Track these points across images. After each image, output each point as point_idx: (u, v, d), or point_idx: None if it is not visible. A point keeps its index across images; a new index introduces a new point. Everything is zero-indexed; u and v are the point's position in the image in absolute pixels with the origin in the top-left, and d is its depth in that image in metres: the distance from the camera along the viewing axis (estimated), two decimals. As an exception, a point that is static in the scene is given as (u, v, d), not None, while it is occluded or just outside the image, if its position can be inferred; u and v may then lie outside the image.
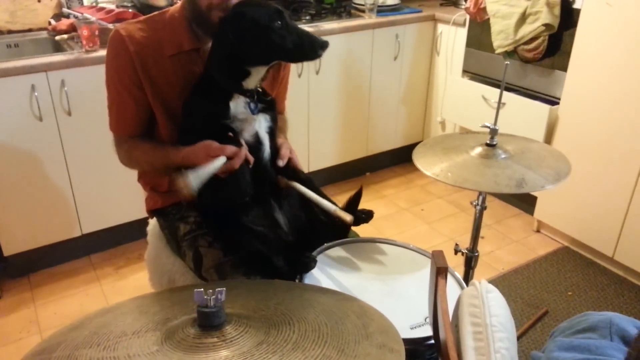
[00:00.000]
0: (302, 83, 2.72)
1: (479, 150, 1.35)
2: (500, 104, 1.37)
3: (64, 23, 2.36)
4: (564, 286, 2.27)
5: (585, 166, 2.32)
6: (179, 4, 1.33)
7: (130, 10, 2.37)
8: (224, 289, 0.74)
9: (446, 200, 3.00)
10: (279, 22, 1.18)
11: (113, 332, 0.77)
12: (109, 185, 2.33)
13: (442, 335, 0.84)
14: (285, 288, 0.97)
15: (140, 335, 0.75)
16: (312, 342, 0.71)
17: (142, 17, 1.35)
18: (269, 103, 1.33)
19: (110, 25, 2.16)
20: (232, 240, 1.31)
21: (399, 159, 3.39)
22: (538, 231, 2.70)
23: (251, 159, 1.22)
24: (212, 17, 1.22)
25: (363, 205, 1.44)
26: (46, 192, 2.20)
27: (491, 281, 2.29)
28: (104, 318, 0.84)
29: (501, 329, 0.82)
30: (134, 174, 2.19)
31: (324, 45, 1.18)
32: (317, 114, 2.85)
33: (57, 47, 2.34)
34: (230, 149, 1.18)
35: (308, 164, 2.92)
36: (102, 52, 2.14)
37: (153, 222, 1.60)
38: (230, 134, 1.23)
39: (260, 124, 1.30)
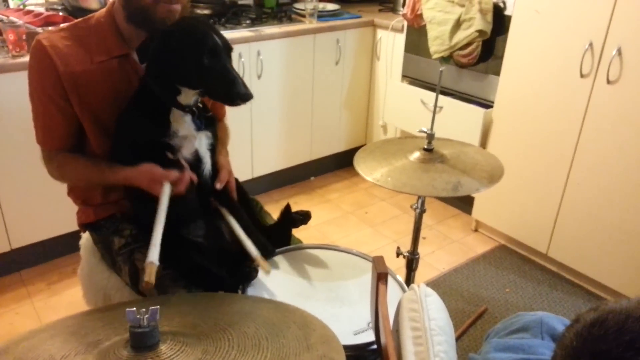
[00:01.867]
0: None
1: (417, 155, 1.38)
2: (436, 109, 1.41)
3: (-13, 26, 2.21)
4: (502, 283, 2.36)
5: (519, 166, 2.43)
6: (104, 9, 1.28)
7: (60, 13, 2.25)
8: (158, 307, 0.71)
9: (389, 203, 3.05)
10: (208, 60, 1.14)
11: (40, 356, 0.72)
12: (39, 197, 2.21)
13: (383, 340, 0.85)
14: (227, 301, 0.94)
15: (69, 360, 0.71)
16: (251, 357, 0.70)
17: (65, 25, 1.30)
18: (209, 119, 1.30)
19: (39, 29, 2.05)
20: (171, 253, 1.27)
21: (342, 163, 3.42)
22: (476, 230, 2.79)
23: (195, 178, 1.20)
24: (159, 11, 1.18)
25: (308, 209, 1.44)
26: (-31, 206, 2.05)
27: (432, 281, 2.36)
28: (31, 341, 0.79)
29: (440, 332, 0.83)
30: (64, 185, 2.09)
31: (244, 98, 1.14)
32: (260, 119, 2.83)
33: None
34: (174, 174, 1.17)
35: (252, 169, 2.89)
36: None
37: (85, 236, 1.53)
38: (170, 154, 1.20)
39: (201, 142, 1.27)
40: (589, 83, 2.11)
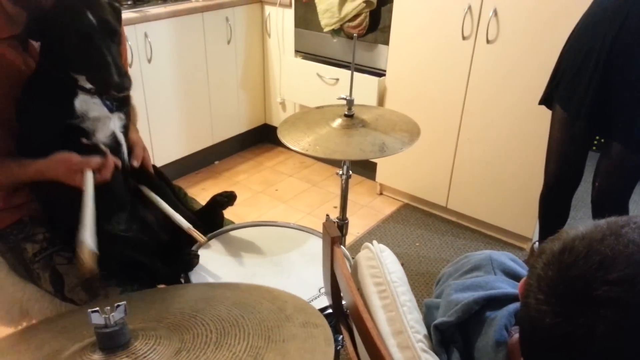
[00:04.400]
0: (134, 73, 2.51)
1: (339, 121, 1.41)
2: (353, 78, 1.44)
3: None
4: (412, 239, 2.52)
5: (416, 129, 2.58)
6: None
7: None
8: (124, 302, 0.66)
9: (297, 178, 3.08)
10: (77, 42, 1.05)
11: (-9, 382, 0.64)
12: None
13: (348, 300, 0.87)
14: (183, 291, 0.90)
15: (30, 377, 0.64)
16: (235, 337, 0.68)
17: None
18: (122, 99, 1.21)
19: None
20: (99, 250, 1.17)
21: (245, 144, 3.38)
22: (381, 194, 2.93)
23: (118, 163, 1.11)
24: None
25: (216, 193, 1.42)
26: None
27: (351, 246, 2.45)
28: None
29: (401, 283, 0.88)
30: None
31: (117, 88, 1.07)
32: (155, 106, 2.68)
33: None
34: (96, 160, 1.08)
35: (153, 159, 2.73)
36: None
37: (-14, 249, 1.36)
38: (85, 139, 1.10)
39: (115, 123, 1.18)
40: (471, 44, 2.28)
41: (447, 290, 0.85)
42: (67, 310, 1.08)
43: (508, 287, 0.82)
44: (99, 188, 1.08)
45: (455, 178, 2.53)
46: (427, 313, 0.91)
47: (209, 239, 1.31)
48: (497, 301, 0.81)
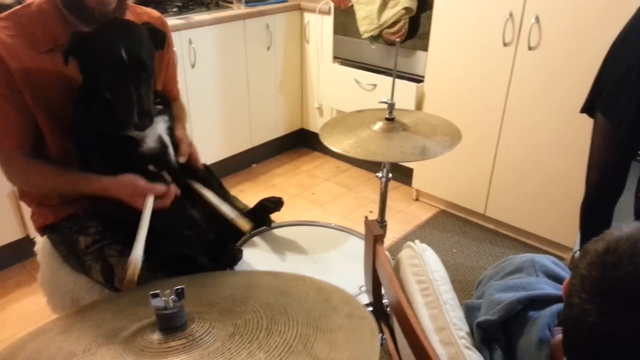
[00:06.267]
0: (178, 78, 2.60)
1: (379, 125, 1.43)
2: (394, 82, 1.46)
3: None
4: (448, 245, 2.51)
5: (454, 135, 2.57)
6: None
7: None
8: (183, 286, 0.70)
9: (333, 182, 3.11)
10: (107, 76, 1.09)
11: (58, 355, 0.69)
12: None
13: (390, 296, 0.89)
14: (230, 278, 0.94)
15: (93, 352, 0.68)
16: (284, 325, 0.71)
17: (2, 15, 1.20)
18: (163, 103, 1.26)
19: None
20: (149, 244, 1.23)
21: (282, 148, 3.44)
22: (417, 200, 2.93)
23: (178, 192, 1.17)
24: (87, 0, 1.13)
25: (255, 197, 1.46)
26: None
27: (388, 250, 2.45)
28: (37, 342, 0.75)
29: (443, 282, 0.89)
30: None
31: (136, 128, 1.09)
32: (197, 110, 2.76)
33: None
34: (160, 189, 1.14)
35: (193, 161, 2.82)
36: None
37: (42, 241, 1.44)
38: (152, 166, 1.18)
39: (161, 127, 1.24)
40: (512, 51, 2.27)
41: (489, 291, 0.86)
42: (123, 292, 1.13)
43: (550, 288, 0.83)
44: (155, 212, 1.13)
45: (495, 185, 2.51)
46: (468, 314, 0.92)
47: (253, 236, 1.35)
48: (540, 301, 0.82)
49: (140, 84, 1.09)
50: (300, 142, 3.54)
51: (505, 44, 2.28)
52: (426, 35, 2.57)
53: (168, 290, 0.70)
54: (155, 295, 0.69)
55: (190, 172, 1.34)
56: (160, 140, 1.24)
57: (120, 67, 1.07)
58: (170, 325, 0.69)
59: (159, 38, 1.20)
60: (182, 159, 1.29)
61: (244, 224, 1.24)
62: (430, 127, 1.44)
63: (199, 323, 0.71)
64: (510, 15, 2.22)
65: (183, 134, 1.37)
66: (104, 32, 1.10)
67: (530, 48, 2.21)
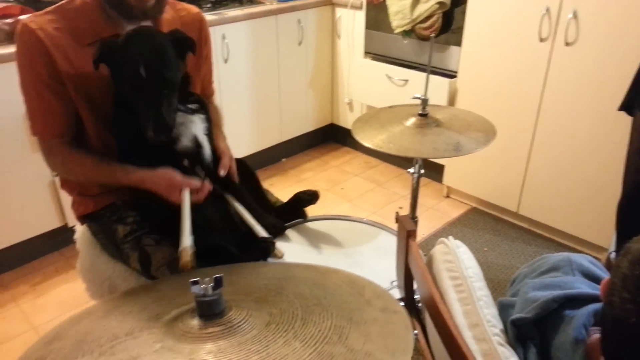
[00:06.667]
0: (211, 73, 2.65)
1: (412, 120, 1.43)
2: (428, 78, 1.46)
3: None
4: (480, 243, 2.48)
5: (487, 132, 2.53)
6: None
7: (15, 4, 2.13)
8: (222, 274, 0.72)
9: (362, 178, 3.11)
10: (129, 89, 1.11)
11: (102, 337, 0.72)
12: (14, 197, 2.11)
13: (423, 291, 0.89)
14: (262, 269, 0.96)
15: (136, 336, 0.71)
16: (319, 316, 0.72)
17: (50, 8, 1.24)
18: (198, 102, 1.28)
19: (-5, 21, 1.93)
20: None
21: (312, 143, 3.45)
22: (448, 196, 2.90)
23: (210, 188, 1.20)
24: None
25: (285, 191, 1.47)
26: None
27: (418, 246, 2.45)
28: (81, 325, 0.78)
29: (477, 278, 0.89)
30: (40, 183, 2.02)
31: (152, 140, 1.10)
32: (229, 104, 2.80)
33: None
34: (195, 183, 1.17)
35: (224, 155, 2.87)
36: (-12, 51, 1.92)
37: (81, 229, 1.49)
38: (186, 161, 1.21)
39: (197, 126, 1.26)
40: (548, 46, 2.22)
41: (523, 289, 0.86)
42: (162, 279, 1.17)
43: (587, 288, 0.82)
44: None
45: (528, 183, 2.47)
46: (501, 311, 0.92)
47: (286, 228, 1.36)
48: (576, 301, 0.81)
49: (159, 100, 1.10)
50: (330, 137, 3.55)
51: (541, 40, 2.23)
52: (460, 30, 2.54)
53: (207, 278, 0.72)
54: (195, 283, 0.71)
55: (226, 185, 1.35)
56: (195, 139, 1.26)
57: (139, 84, 1.09)
58: (209, 312, 0.71)
59: (186, 46, 1.20)
60: (222, 172, 1.29)
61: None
62: (465, 123, 1.43)
63: (236, 311, 0.73)
64: (547, 10, 2.17)
65: (225, 146, 1.37)
66: (127, 45, 1.11)
67: (567, 44, 2.16)
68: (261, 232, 1.27)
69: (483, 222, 2.65)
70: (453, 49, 2.62)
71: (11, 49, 1.97)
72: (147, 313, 0.78)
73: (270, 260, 1.29)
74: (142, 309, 0.80)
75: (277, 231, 1.35)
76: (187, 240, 1.10)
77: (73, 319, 0.82)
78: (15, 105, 1.99)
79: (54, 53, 1.17)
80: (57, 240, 2.35)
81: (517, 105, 2.40)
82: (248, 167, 1.44)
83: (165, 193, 1.17)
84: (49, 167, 1.29)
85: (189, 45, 1.20)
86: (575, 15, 2.10)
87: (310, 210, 1.38)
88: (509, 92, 2.40)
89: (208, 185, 1.20)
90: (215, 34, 2.58)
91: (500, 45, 2.37)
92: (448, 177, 2.83)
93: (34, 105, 1.21)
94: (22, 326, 1.97)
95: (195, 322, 0.70)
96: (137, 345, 0.68)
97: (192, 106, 1.27)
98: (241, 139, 2.95)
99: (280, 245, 1.29)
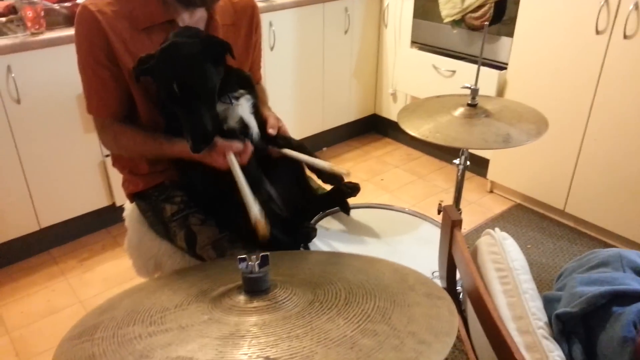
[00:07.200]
0: (257, 60, 2.68)
1: (461, 110, 1.41)
2: (479, 68, 1.43)
3: (1, 5, 2.17)
4: (523, 240, 2.42)
5: (535, 126, 2.46)
6: None
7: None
8: (268, 253, 0.73)
9: (403, 169, 3.09)
10: (167, 98, 1.13)
11: (152, 309, 0.75)
12: (66, 175, 2.21)
13: (467, 282, 0.89)
14: (306, 255, 0.97)
15: (184, 308, 0.74)
16: (362, 297, 0.73)
17: None
18: (246, 84, 1.30)
19: (56, 6, 2.01)
20: (228, 216, 1.28)
21: (353, 133, 3.45)
22: (491, 192, 2.85)
23: (252, 148, 1.21)
24: None
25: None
26: (-2, 186, 2.05)
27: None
28: (132, 298, 0.82)
29: (523, 271, 0.87)
30: (91, 163, 2.10)
31: (191, 149, 1.12)
32: (273, 91, 2.82)
33: (-7, 31, 2.15)
34: (237, 145, 1.17)
35: (267, 141, 2.90)
36: (49, 35, 2.00)
37: (130, 207, 1.54)
38: (225, 125, 1.22)
39: (243, 108, 1.27)
40: (605, 39, 2.13)
41: (570, 283, 0.84)
42: (208, 261, 1.19)
43: (637, 285, 0.79)
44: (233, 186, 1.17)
45: (577, 180, 2.39)
46: (546, 305, 0.90)
47: (326, 215, 1.37)
48: (625, 297, 0.79)
49: (194, 111, 1.13)
50: (372, 128, 3.53)
51: (598, 32, 2.15)
52: (512, 21, 2.47)
53: (254, 256, 0.74)
54: (243, 260, 0.73)
55: (281, 142, 1.36)
56: (242, 121, 1.28)
57: (173, 99, 1.12)
58: (255, 288, 0.73)
59: (222, 51, 1.20)
60: (271, 131, 1.30)
61: (341, 170, 1.24)
62: (515, 115, 1.39)
63: (281, 289, 0.74)
64: (606, 1, 2.09)
65: (269, 111, 1.40)
66: (159, 64, 1.14)
67: (625, 37, 2.07)
68: (323, 163, 1.28)
69: (527, 219, 2.59)
70: (504, 40, 2.55)
71: (69, 31, 2.05)
72: (195, 289, 0.80)
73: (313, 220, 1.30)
74: (190, 285, 0.82)
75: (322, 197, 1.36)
76: (255, 209, 1.09)
77: (125, 293, 0.86)
78: (71, 86, 2.07)
79: (110, 35, 1.21)
80: (105, 219, 2.45)
81: (569, 100, 2.32)
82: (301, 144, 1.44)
83: (209, 160, 1.18)
84: (102, 144, 1.35)
85: (225, 49, 1.21)
86: (636, 7, 2.01)
87: (349, 201, 1.39)
88: (561, 86, 2.33)
89: (250, 146, 1.20)
90: (262, 22, 2.59)
91: (554, 37, 2.29)
92: (493, 172, 2.77)
93: (90, 85, 1.26)
94: (69, 299, 2.07)
95: (241, 297, 0.72)
96: (186, 316, 0.71)
97: (237, 94, 1.28)
98: (284, 127, 2.97)
99: (320, 231, 1.30)
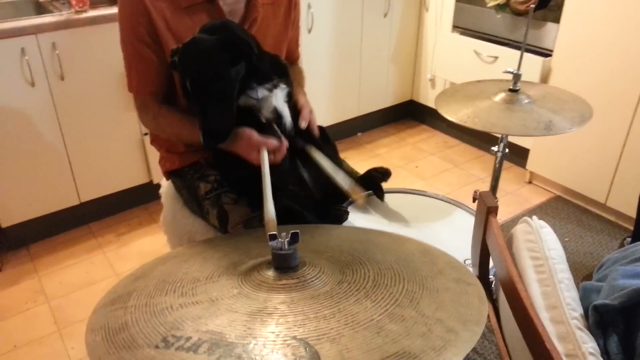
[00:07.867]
0: (295, 42, 2.67)
1: (502, 96, 1.37)
2: (523, 53, 1.38)
3: (47, -18, 2.24)
4: (561, 233, 2.36)
5: (579, 116, 2.37)
6: None
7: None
8: (298, 231, 0.73)
9: (438, 157, 3.04)
10: (187, 95, 1.12)
11: (184, 279, 0.76)
12: (106, 152, 2.27)
13: (500, 269, 0.86)
14: (336, 231, 0.97)
15: (215, 280, 0.75)
16: (391, 279, 0.72)
17: None
18: (280, 71, 1.29)
19: (99, -16, 2.05)
20: (258, 198, 1.29)
21: (389, 119, 3.41)
22: (530, 182, 2.77)
23: (287, 145, 1.20)
24: None
25: (358, 165, 1.45)
26: (41, 161, 2.12)
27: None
28: (165, 266, 0.83)
29: (559, 261, 0.85)
30: (130, 141, 2.15)
31: (205, 140, 1.12)
32: (309, 74, 2.79)
33: (41, 9, 2.22)
34: (272, 142, 1.17)
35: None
36: (93, 13, 2.04)
37: (166, 185, 1.57)
38: (262, 118, 1.22)
39: (277, 97, 1.26)
40: (660, 26, 2.03)
41: (612, 275, 0.81)
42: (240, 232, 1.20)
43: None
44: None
45: (621, 173, 2.30)
46: (584, 295, 0.87)
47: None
48: (671, 294, 0.75)
49: (207, 109, 1.12)
50: (408, 114, 3.48)
51: (652, 18, 2.04)
52: (559, 7, 2.37)
53: (284, 233, 0.74)
54: (273, 237, 0.73)
55: (307, 137, 1.36)
56: (276, 111, 1.27)
57: (187, 96, 1.13)
58: (285, 265, 0.73)
59: (242, 49, 1.18)
60: (303, 124, 1.29)
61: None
62: (559, 102, 1.34)
63: (309, 267, 0.74)
64: (663, -16, 1.98)
65: (305, 100, 1.38)
66: (180, 57, 1.14)
67: (683, 23, 1.96)
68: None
69: (566, 212, 2.51)
70: (550, 26, 2.46)
71: (112, 10, 2.09)
72: (226, 261, 0.81)
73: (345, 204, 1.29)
74: (222, 256, 0.83)
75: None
76: (270, 209, 1.11)
77: (159, 259, 0.88)
78: (112, 65, 2.12)
79: (153, 14, 1.22)
80: (142, 195, 2.51)
81: (617, 90, 2.22)
82: (329, 138, 1.44)
83: (243, 153, 1.19)
84: (141, 122, 1.37)
85: (246, 48, 1.18)
86: (695, -9, 1.90)
87: (383, 186, 1.38)
88: (609, 75, 2.23)
89: (285, 145, 1.20)
90: (302, 3, 2.59)
91: (603, 25, 2.19)
92: (532, 162, 2.69)
93: (131, 62, 1.28)
94: (106, 272, 2.14)
95: (270, 273, 0.73)
96: (216, 289, 0.72)
97: (270, 85, 1.27)
98: (319, 111, 2.93)
99: (352, 214, 1.29)
